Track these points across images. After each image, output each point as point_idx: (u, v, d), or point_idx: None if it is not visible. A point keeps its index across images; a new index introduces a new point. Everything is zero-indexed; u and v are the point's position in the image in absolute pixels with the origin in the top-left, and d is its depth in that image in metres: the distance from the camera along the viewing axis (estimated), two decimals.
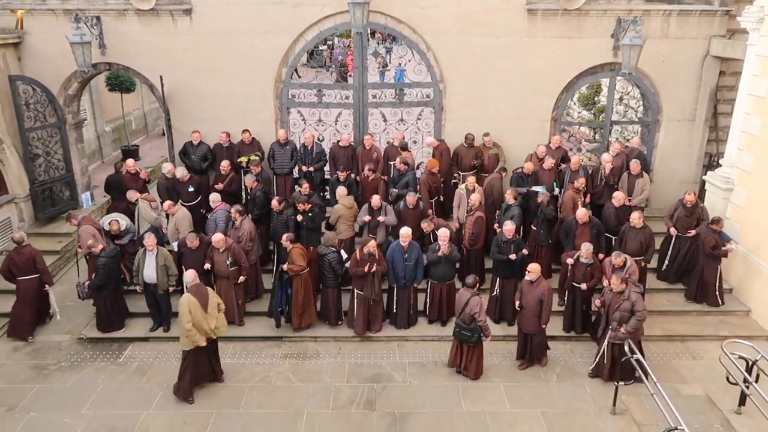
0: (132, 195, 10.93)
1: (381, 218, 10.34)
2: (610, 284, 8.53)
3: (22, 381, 8.84)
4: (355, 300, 9.67)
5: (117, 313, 9.93)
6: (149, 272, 9.41)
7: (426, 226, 10.12)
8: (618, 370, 8.12)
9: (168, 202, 10.62)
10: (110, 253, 9.64)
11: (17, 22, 11.75)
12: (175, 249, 10.05)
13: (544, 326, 8.80)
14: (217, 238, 9.42)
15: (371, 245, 9.38)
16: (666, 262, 10.81)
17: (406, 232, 9.54)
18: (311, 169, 11.79)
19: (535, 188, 10.70)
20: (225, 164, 11.50)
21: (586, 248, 9.24)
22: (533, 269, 8.68)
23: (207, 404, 8.31)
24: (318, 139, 12.70)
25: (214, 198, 10.60)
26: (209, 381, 8.65)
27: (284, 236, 9.52)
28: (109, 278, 9.56)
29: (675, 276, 10.81)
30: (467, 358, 8.79)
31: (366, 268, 9.29)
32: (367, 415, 8.14)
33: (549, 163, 11.31)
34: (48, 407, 8.25)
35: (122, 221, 10.49)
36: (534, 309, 8.67)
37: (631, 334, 8.14)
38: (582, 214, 9.90)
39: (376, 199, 10.32)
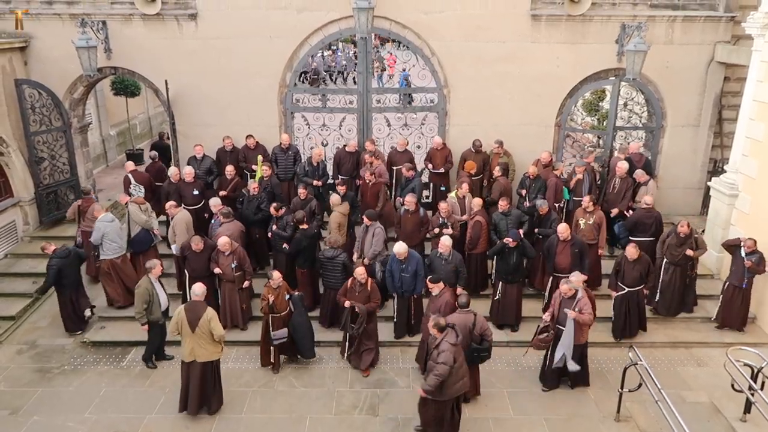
0: (122, 198, 11.06)
1: (367, 243, 9.99)
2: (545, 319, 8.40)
3: (26, 384, 8.84)
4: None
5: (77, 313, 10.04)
6: (164, 298, 8.96)
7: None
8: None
9: (171, 203, 10.58)
10: (61, 254, 9.57)
11: (17, 23, 11.80)
12: (176, 252, 10.05)
13: None
14: (222, 241, 9.42)
15: (359, 273, 8.83)
16: (658, 293, 10.19)
17: (400, 249, 9.13)
18: (319, 183, 11.68)
19: (537, 201, 10.56)
20: (230, 169, 11.53)
21: (576, 278, 8.45)
22: (433, 284, 8.46)
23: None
24: (322, 143, 12.74)
25: (215, 203, 10.60)
26: (200, 407, 8.12)
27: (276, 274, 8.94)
28: (60, 280, 9.59)
29: (667, 309, 10.22)
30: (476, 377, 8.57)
31: (345, 303, 8.84)
32: (370, 420, 8.12)
33: (559, 169, 11.32)
34: (51, 411, 8.25)
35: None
36: None
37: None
38: (563, 229, 9.52)
39: (366, 220, 9.99)
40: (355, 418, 8.16)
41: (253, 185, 10.88)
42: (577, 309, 8.13)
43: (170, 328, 7.91)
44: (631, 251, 9.34)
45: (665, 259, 10.03)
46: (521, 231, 9.94)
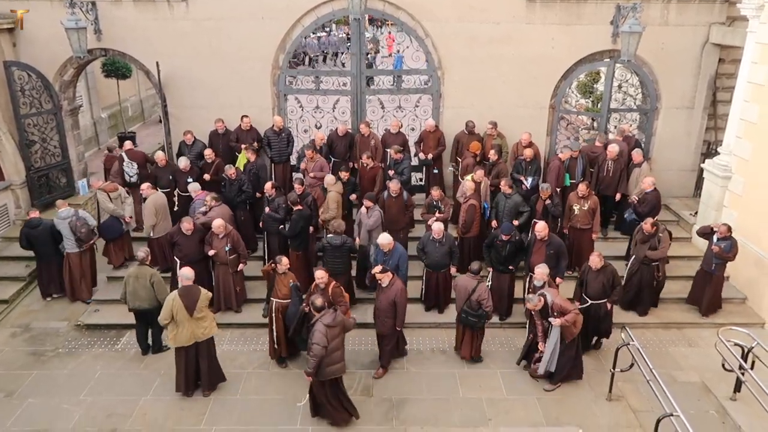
0: (94, 184, 11.13)
1: (365, 219, 9.94)
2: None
3: (20, 367, 8.84)
4: None
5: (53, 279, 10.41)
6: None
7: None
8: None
9: (146, 184, 10.57)
10: (30, 224, 9.97)
11: (17, 22, 11.80)
12: (145, 234, 10.37)
13: (398, 329, 8.49)
14: (217, 223, 9.38)
15: (319, 277, 8.16)
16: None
17: (384, 240, 8.95)
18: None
19: (542, 185, 10.43)
20: (208, 152, 11.40)
21: (539, 271, 8.42)
22: (382, 275, 8.23)
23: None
24: (315, 126, 12.68)
25: (194, 188, 10.55)
26: (195, 387, 8.25)
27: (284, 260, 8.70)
28: (32, 248, 10.08)
29: (625, 303, 9.91)
30: (469, 341, 8.85)
31: (305, 308, 8.10)
32: (364, 401, 8.17)
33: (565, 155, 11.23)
34: (46, 393, 8.27)
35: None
36: (387, 310, 8.25)
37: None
38: (540, 228, 9.11)
39: (367, 202, 9.96)
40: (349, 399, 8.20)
41: (230, 171, 10.66)
42: (556, 314, 8.00)
43: (163, 315, 7.77)
44: (595, 260, 8.61)
45: (633, 256, 9.85)
46: (518, 222, 9.96)
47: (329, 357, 7.16)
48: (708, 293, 9.87)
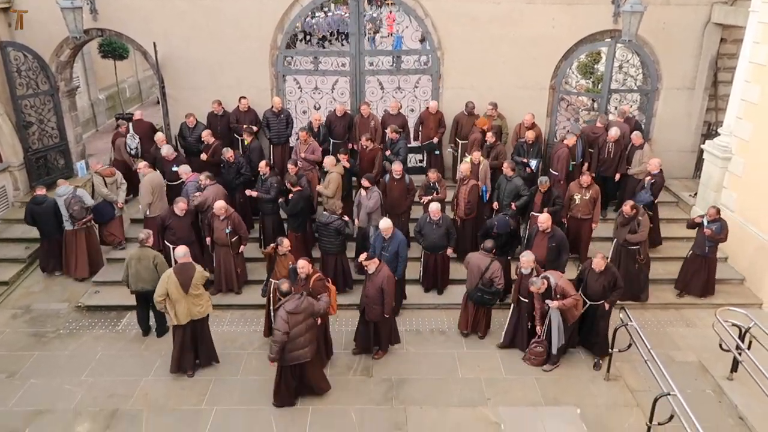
0: (93, 166, 11.23)
1: (364, 201, 9.90)
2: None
3: (22, 348, 8.89)
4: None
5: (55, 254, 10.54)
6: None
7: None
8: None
9: (143, 163, 10.61)
10: (35, 200, 10.14)
11: (18, 22, 11.73)
12: (145, 214, 10.39)
13: (387, 316, 8.30)
14: (218, 205, 9.35)
15: (301, 266, 7.89)
16: None
17: (385, 225, 8.85)
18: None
19: (540, 178, 10.14)
20: (205, 134, 11.28)
21: (525, 258, 8.35)
22: (368, 262, 8.09)
23: (205, 371, 8.37)
24: (314, 107, 12.59)
25: (184, 170, 10.50)
26: (192, 366, 8.29)
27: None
28: (36, 224, 10.23)
29: None
30: (477, 320, 8.95)
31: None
32: (364, 381, 8.24)
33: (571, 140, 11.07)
34: (48, 374, 8.32)
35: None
36: (375, 297, 8.12)
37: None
38: (543, 219, 8.98)
39: (365, 182, 9.92)
40: (349, 379, 8.27)
41: (228, 154, 10.59)
42: (558, 296, 8.02)
43: (158, 292, 7.80)
44: (599, 262, 8.23)
45: (615, 239, 9.80)
46: (515, 206, 9.95)
47: (292, 343, 7.17)
48: (702, 276, 9.87)
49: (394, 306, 8.46)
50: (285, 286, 7.32)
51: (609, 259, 9.05)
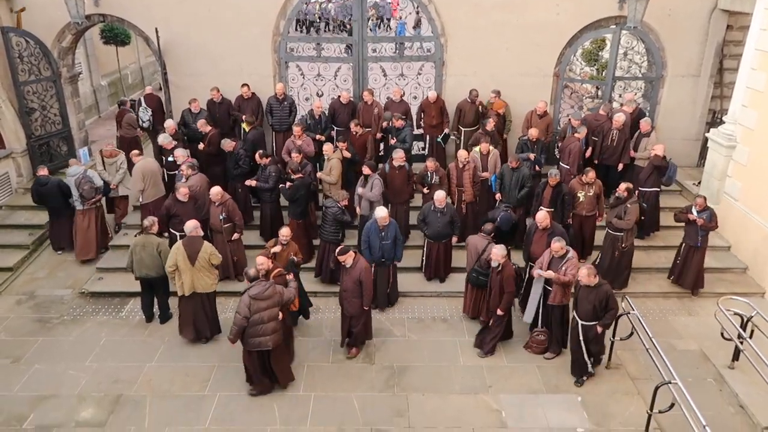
0: (105, 146, 11.37)
1: (360, 190, 9.88)
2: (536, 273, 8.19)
3: (26, 334, 8.95)
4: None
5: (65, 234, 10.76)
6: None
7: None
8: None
9: (134, 151, 10.78)
10: (39, 181, 10.42)
11: (17, 21, 11.73)
12: (138, 201, 10.58)
13: (366, 308, 8.21)
14: (215, 190, 9.36)
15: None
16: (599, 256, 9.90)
17: (382, 214, 8.82)
18: (322, 138, 11.36)
19: (551, 170, 9.98)
20: (201, 122, 11.16)
21: (496, 251, 8.00)
22: (344, 255, 7.93)
23: (208, 357, 8.43)
24: (317, 94, 12.54)
25: (182, 153, 10.46)
26: (197, 336, 8.62)
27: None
28: (44, 204, 10.52)
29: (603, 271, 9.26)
30: (478, 304, 8.90)
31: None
32: (366, 368, 8.28)
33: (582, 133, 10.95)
34: (52, 359, 8.39)
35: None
36: (354, 290, 8.03)
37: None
38: (541, 217, 8.71)
39: (366, 169, 9.90)
40: (351, 366, 8.32)
41: (227, 144, 10.53)
42: (564, 269, 7.94)
43: (169, 262, 8.18)
44: (583, 275, 7.47)
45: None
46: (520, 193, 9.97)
47: (252, 328, 7.18)
48: (694, 268, 9.73)
49: (373, 297, 8.41)
50: (252, 271, 7.40)
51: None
